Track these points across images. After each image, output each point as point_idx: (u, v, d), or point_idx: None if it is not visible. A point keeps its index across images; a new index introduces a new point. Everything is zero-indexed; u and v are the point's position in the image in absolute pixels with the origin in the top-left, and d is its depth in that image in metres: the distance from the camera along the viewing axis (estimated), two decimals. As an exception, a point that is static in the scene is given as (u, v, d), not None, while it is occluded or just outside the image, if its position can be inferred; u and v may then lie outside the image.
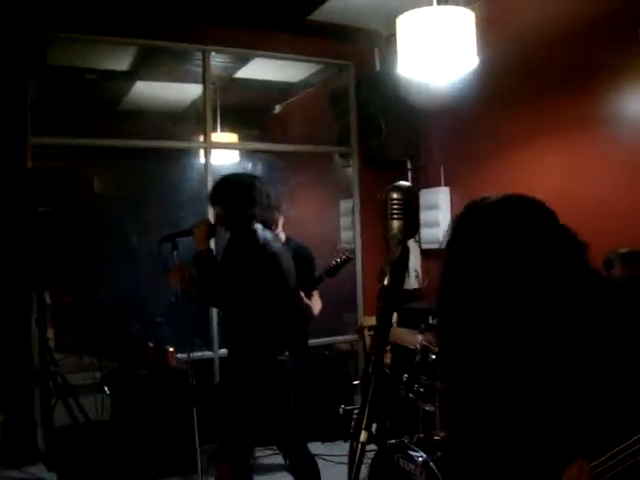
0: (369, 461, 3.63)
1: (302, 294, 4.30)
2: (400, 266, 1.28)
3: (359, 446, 1.19)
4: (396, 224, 1.28)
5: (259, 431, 3.47)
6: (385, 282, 1.27)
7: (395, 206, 1.28)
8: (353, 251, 6.08)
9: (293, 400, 3.49)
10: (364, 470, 3.67)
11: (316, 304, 4.51)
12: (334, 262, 4.48)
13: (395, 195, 1.28)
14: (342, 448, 4.89)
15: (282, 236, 4.53)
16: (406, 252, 1.29)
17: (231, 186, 3.45)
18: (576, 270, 1.37)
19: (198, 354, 5.03)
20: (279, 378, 3.35)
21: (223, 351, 5.20)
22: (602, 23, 4.21)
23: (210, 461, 4.14)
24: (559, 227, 1.41)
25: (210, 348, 5.47)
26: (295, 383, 3.52)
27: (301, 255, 4.51)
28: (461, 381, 1.53)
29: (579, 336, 1.33)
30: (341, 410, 1.52)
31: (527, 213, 1.40)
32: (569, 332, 1.33)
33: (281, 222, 4.52)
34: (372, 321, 5.40)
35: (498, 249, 1.35)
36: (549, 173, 4.61)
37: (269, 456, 4.89)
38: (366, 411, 1.22)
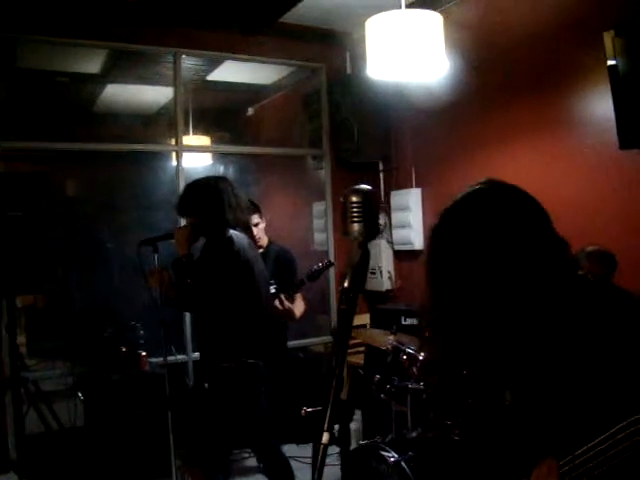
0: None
1: (284, 297, 4.30)
2: (360, 269, 1.29)
3: (320, 448, 1.20)
4: (356, 227, 1.29)
5: (232, 435, 3.47)
6: (345, 285, 1.28)
7: (354, 209, 1.28)
8: (326, 253, 6.11)
9: (266, 403, 3.49)
10: (337, 472, 3.68)
11: (299, 307, 4.49)
12: (316, 267, 4.48)
13: (354, 198, 1.29)
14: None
15: (264, 239, 4.52)
16: (366, 255, 1.30)
17: (196, 193, 3.43)
18: (557, 264, 1.39)
19: (171, 358, 5.01)
20: (250, 382, 3.34)
21: (197, 355, 5.18)
22: (569, 27, 4.27)
23: (184, 466, 4.13)
24: (539, 215, 1.43)
25: (184, 352, 5.45)
26: (268, 386, 3.52)
27: (283, 258, 4.52)
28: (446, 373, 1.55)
29: (555, 333, 1.34)
30: (303, 412, 1.52)
31: (504, 199, 1.42)
32: (544, 327, 1.35)
33: (263, 225, 4.51)
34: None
35: (478, 239, 1.36)
36: (520, 173, 4.65)
37: (244, 459, 4.89)
38: (327, 413, 1.23)
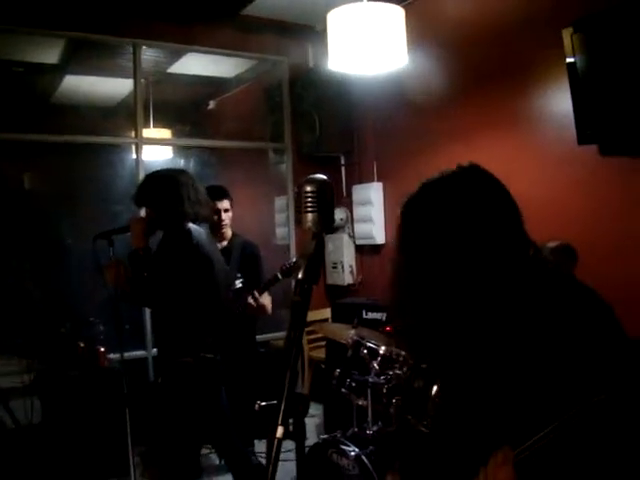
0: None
1: (257, 293, 4.20)
2: (315, 260, 1.27)
3: (275, 442, 1.18)
4: (310, 217, 1.27)
5: (191, 432, 3.42)
6: (299, 276, 1.26)
7: (309, 199, 1.26)
8: (287, 247, 6.08)
9: (225, 399, 3.45)
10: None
11: (268, 302, 4.40)
12: (289, 263, 4.38)
13: (309, 188, 1.27)
14: (290, 445, 4.85)
15: (229, 232, 4.42)
16: (321, 245, 1.28)
17: (154, 185, 3.36)
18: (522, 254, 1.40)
19: (131, 354, 4.95)
20: (208, 377, 3.30)
21: (156, 350, 5.13)
22: (531, 23, 4.31)
23: (143, 465, 4.07)
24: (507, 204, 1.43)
25: (143, 347, 5.38)
26: (235, 381, 3.48)
27: (249, 252, 4.42)
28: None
29: (508, 324, 1.35)
30: (257, 406, 1.50)
31: (476, 185, 1.43)
32: (499, 318, 1.36)
33: (231, 214, 4.39)
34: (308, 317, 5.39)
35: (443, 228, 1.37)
36: (480, 168, 4.69)
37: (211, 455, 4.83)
38: (282, 406, 1.21)
